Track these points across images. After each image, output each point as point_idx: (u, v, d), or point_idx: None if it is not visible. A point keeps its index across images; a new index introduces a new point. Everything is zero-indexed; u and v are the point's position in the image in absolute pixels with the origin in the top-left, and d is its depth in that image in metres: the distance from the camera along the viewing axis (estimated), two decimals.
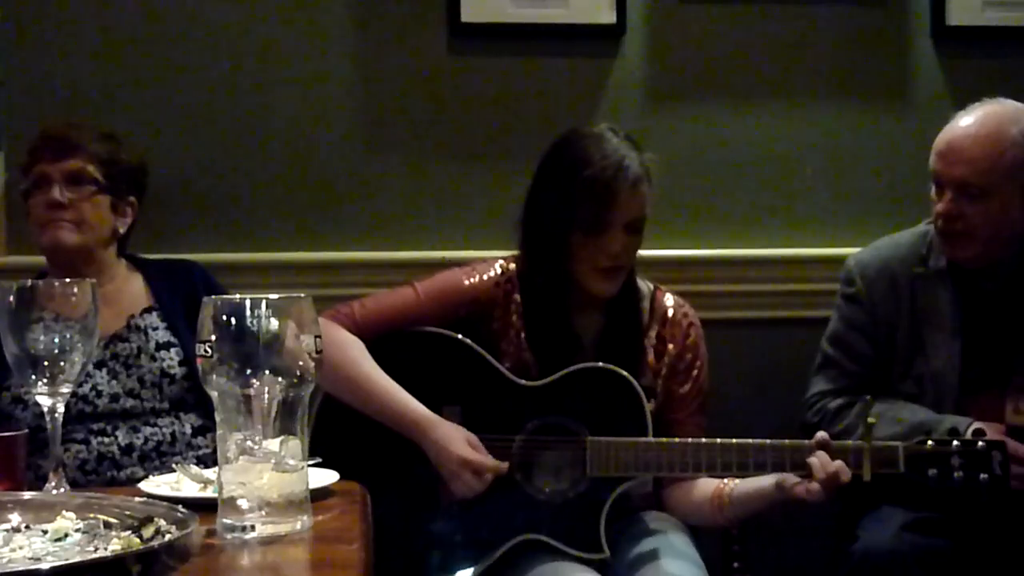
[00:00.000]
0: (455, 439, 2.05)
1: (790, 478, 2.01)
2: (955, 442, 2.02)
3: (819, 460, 1.98)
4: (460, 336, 2.18)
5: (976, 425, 2.15)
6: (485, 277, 2.23)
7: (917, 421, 2.20)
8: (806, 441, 2.02)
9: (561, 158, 2.16)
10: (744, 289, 2.82)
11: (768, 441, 2.03)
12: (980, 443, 2.02)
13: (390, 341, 2.18)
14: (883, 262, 2.38)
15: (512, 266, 2.24)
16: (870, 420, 2.01)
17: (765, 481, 2.06)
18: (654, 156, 2.18)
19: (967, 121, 2.24)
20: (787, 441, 2.03)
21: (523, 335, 2.20)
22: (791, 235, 2.86)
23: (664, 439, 2.09)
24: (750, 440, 2.04)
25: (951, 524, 2.16)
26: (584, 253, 2.13)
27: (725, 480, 2.13)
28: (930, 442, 2.03)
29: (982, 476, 2.00)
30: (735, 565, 2.27)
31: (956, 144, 2.23)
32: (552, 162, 2.17)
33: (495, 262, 2.26)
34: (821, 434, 2.02)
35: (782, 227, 2.86)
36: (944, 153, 2.24)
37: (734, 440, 2.05)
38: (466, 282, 2.22)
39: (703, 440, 2.08)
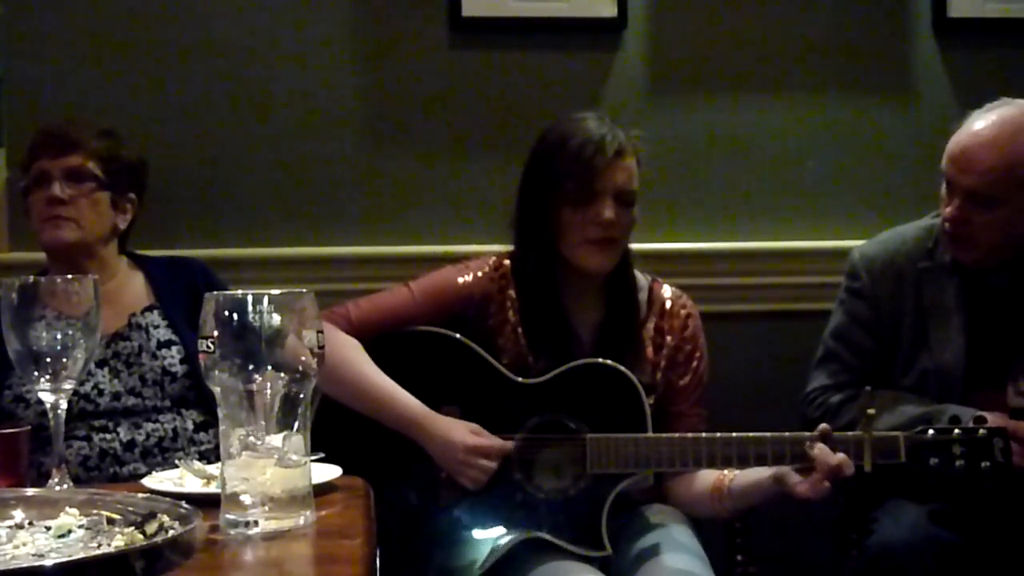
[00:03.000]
0: (456, 429, 2.06)
1: (790, 475, 2.00)
2: (956, 430, 2.03)
3: (820, 452, 1.97)
4: (457, 335, 2.17)
5: (978, 414, 2.15)
6: (479, 273, 2.23)
7: (919, 413, 2.20)
8: (807, 433, 2.02)
9: (547, 140, 2.19)
10: (745, 282, 2.82)
11: (768, 434, 2.03)
12: (981, 431, 2.02)
13: (387, 341, 2.18)
14: (889, 256, 2.36)
15: (507, 262, 2.25)
16: (869, 412, 2.01)
17: (763, 474, 2.06)
18: (641, 133, 2.20)
19: (981, 125, 2.18)
20: (787, 434, 2.04)
21: (520, 330, 2.20)
22: (792, 228, 2.86)
23: (664, 434, 2.10)
24: (750, 433, 2.04)
25: (965, 518, 2.16)
26: (575, 227, 2.13)
27: (725, 472, 2.14)
28: (931, 431, 2.04)
29: (984, 464, 2.00)
30: (738, 557, 2.26)
31: (970, 152, 2.17)
32: (539, 146, 2.20)
33: (489, 258, 2.26)
34: (823, 426, 2.02)
35: (783, 220, 2.86)
36: (957, 159, 2.20)
37: (734, 434, 2.05)
38: (460, 279, 2.22)
39: (703, 435, 2.08)
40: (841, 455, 1.97)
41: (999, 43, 2.89)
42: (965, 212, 2.19)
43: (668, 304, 2.27)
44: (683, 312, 2.27)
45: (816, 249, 2.82)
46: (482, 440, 2.05)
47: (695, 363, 2.26)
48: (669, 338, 2.25)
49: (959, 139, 2.21)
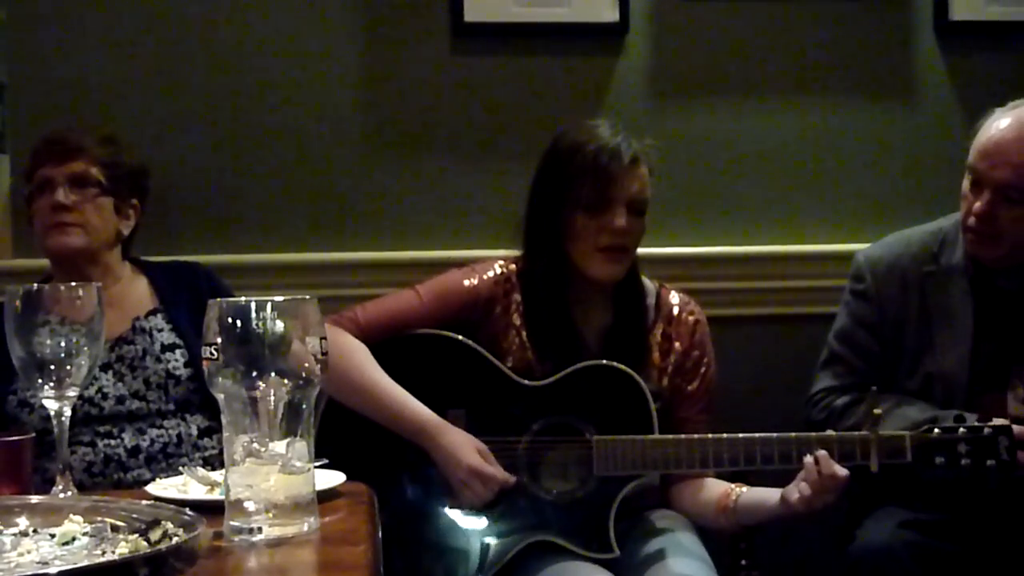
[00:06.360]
0: (464, 447, 2.05)
1: (792, 492, 2.00)
2: (961, 429, 2.04)
3: (809, 463, 1.99)
4: (462, 338, 2.18)
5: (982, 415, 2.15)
6: (484, 277, 2.24)
7: (923, 418, 2.20)
8: (813, 434, 2.04)
9: (561, 145, 2.19)
10: (749, 286, 2.82)
11: (774, 435, 2.05)
12: (986, 429, 2.03)
13: (393, 345, 2.18)
14: (894, 259, 2.37)
15: (512, 267, 2.25)
16: (876, 411, 2.02)
17: (771, 497, 2.07)
18: (654, 143, 2.21)
19: (1010, 122, 2.18)
20: (793, 434, 2.05)
21: (524, 334, 2.20)
22: (795, 231, 2.85)
23: (670, 436, 2.10)
24: (756, 434, 2.06)
25: (952, 526, 2.16)
26: (587, 233, 2.14)
27: (732, 486, 2.15)
28: (936, 430, 2.04)
29: (989, 462, 2.01)
30: (742, 563, 2.26)
31: (1004, 145, 2.17)
32: (553, 151, 2.21)
33: (494, 262, 2.27)
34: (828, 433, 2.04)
35: (786, 223, 2.86)
36: (990, 153, 2.18)
37: (740, 435, 2.06)
38: (465, 283, 2.23)
39: (709, 436, 2.09)
40: (820, 453, 1.97)
41: (1000, 46, 2.89)
42: (994, 207, 2.18)
43: (676, 310, 2.27)
44: (691, 319, 2.27)
45: (818, 253, 2.82)
46: (485, 467, 2.04)
47: (703, 369, 2.26)
48: (677, 344, 2.25)
49: (989, 135, 2.20)
